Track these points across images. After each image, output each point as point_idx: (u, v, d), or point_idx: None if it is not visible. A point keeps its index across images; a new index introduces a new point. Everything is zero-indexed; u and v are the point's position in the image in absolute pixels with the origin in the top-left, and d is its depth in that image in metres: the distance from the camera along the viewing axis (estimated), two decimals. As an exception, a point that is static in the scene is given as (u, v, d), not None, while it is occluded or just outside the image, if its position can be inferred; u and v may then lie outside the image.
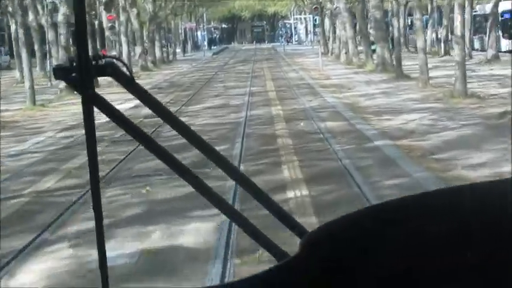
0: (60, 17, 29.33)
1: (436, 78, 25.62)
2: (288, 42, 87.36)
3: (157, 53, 53.28)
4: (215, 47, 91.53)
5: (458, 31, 20.25)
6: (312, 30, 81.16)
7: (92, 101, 1.33)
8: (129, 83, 1.39)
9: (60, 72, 1.36)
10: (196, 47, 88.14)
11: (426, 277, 1.14)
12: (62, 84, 29.16)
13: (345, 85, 27.42)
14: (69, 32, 29.45)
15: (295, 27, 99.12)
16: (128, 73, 1.39)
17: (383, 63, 32.70)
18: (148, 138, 1.42)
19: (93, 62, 1.33)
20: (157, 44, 53.76)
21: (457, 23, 20.34)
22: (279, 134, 15.37)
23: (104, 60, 1.35)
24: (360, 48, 43.94)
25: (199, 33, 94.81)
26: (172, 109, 18.22)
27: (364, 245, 1.16)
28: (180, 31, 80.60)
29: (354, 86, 26.83)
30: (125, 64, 1.47)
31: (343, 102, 21.23)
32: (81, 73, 1.31)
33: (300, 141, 14.06)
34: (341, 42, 46.16)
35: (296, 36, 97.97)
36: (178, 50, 71.75)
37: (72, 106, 24.81)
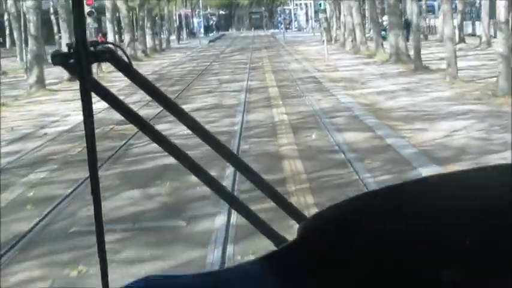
0: (29, 3, 25.36)
1: (461, 70, 21.86)
2: (286, 28, 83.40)
3: (149, 41, 49.74)
4: (212, 34, 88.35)
5: (502, 16, 16.47)
6: (312, 16, 77.55)
7: (90, 87, 1.31)
8: (127, 69, 1.36)
9: (58, 58, 1.31)
10: (192, 34, 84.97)
11: (427, 260, 1.08)
12: (32, 79, 25.59)
13: (357, 79, 23.71)
14: (39, 20, 25.65)
15: (294, 14, 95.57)
16: (126, 59, 1.35)
17: (397, 52, 29.13)
18: (147, 124, 1.39)
19: (91, 48, 1.30)
20: (148, 31, 50.19)
21: (501, 6, 16.57)
22: (285, 152, 11.57)
23: (101, 46, 1.33)
24: (368, 35, 40.36)
25: (195, 20, 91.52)
26: (153, 111, 14.68)
27: (363, 230, 1.12)
28: (174, 18, 77.08)
29: (368, 80, 23.12)
30: (122, 50, 1.45)
31: (360, 102, 17.49)
32: (80, 59, 1.29)
33: (315, 166, 10.27)
34: (346, 29, 42.52)
35: (296, 22, 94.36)
36: (172, 38, 68.19)
37: (39, 105, 21.24)
